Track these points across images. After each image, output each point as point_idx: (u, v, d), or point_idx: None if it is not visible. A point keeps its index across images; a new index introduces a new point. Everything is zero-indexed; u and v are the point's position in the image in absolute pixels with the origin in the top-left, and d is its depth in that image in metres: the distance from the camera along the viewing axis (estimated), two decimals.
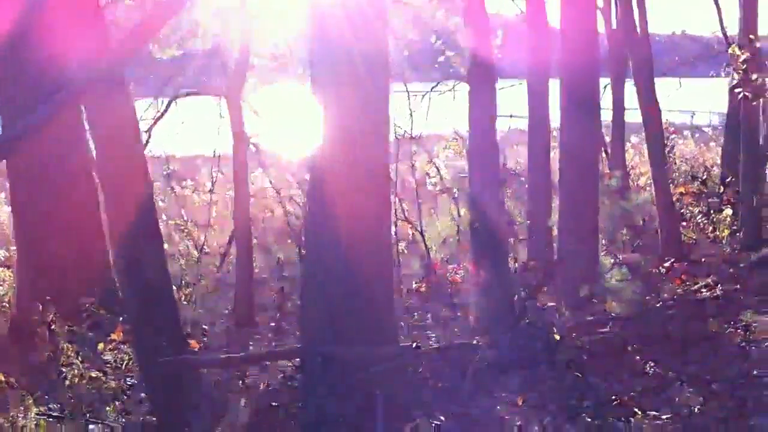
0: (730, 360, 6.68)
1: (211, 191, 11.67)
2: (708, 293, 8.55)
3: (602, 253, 9.42)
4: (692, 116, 32.16)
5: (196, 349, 7.97)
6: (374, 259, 5.99)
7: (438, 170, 13.81)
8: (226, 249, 10.53)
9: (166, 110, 9.41)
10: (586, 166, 8.68)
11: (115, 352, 6.88)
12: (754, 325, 7.47)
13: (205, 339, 8.53)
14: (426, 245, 11.20)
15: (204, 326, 9.05)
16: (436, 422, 4.33)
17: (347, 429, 4.99)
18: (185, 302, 9.96)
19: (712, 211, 12.92)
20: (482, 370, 5.99)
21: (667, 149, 13.24)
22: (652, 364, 6.55)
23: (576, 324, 7.19)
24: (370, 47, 5.63)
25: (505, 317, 6.82)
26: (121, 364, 6.65)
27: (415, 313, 9.04)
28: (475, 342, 6.31)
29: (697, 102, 28.57)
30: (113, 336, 7.15)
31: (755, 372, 6.38)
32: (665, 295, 8.32)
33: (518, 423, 5.41)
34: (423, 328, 8.29)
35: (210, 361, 6.19)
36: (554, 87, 10.69)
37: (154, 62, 10.68)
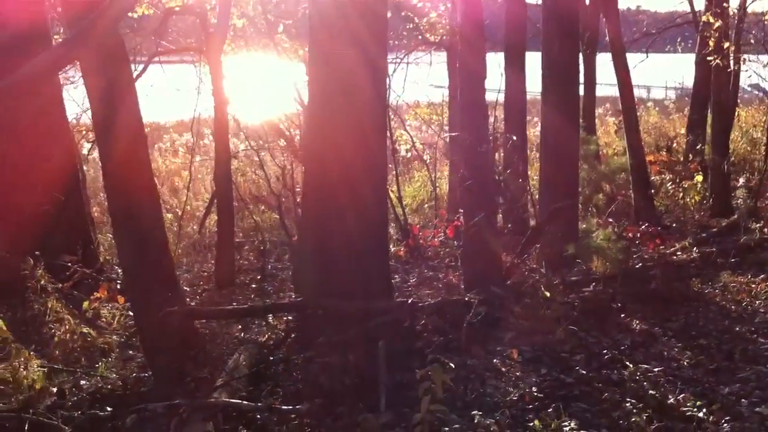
0: (712, 317, 6.86)
1: (192, 150, 11.45)
2: (685, 256, 8.74)
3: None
4: (648, 91, 32.78)
5: None
6: (370, 216, 6.03)
7: (411, 137, 13.79)
8: (206, 211, 10.40)
9: (143, 71, 9.20)
10: (566, 128, 8.74)
11: (103, 310, 6.83)
12: (732, 285, 7.69)
13: (188, 300, 8.48)
14: (404, 210, 11.20)
15: (185, 288, 8.99)
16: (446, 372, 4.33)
17: (350, 378, 5.01)
18: None
19: (679, 179, 13.17)
20: (475, 325, 6.06)
21: None
22: (638, 321, 6.71)
23: (562, 282, 7.30)
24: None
25: (493, 275, 6.89)
26: (112, 321, 6.60)
27: (397, 276, 9.05)
28: (467, 298, 6.36)
29: (652, 77, 28.94)
30: (98, 294, 7.09)
31: (737, 328, 6.57)
32: (645, 256, 8.47)
33: (517, 374, 5.50)
34: (407, 288, 8.31)
35: (215, 312, 6.17)
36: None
37: (126, 21, 10.43)
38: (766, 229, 9.85)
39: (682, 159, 14.37)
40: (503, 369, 5.58)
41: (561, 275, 7.61)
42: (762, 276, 7.93)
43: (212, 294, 8.68)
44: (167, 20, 9.20)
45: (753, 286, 7.66)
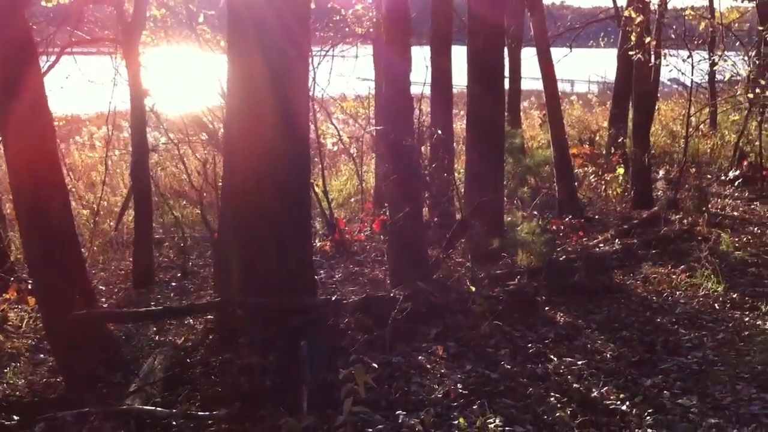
0: (634, 309, 6.92)
1: (108, 143, 10.95)
2: (607, 248, 8.84)
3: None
4: (572, 85, 33.33)
5: None
6: (292, 211, 5.83)
7: (337, 130, 13.59)
8: (123, 206, 10.04)
9: (56, 62, 8.81)
10: (492, 122, 8.75)
11: (11, 312, 6.52)
12: (653, 276, 7.79)
13: (102, 300, 8.17)
14: (329, 204, 11.04)
15: (101, 287, 8.68)
16: (369, 372, 4.22)
17: (271, 379, 4.84)
18: None
19: (600, 171, 13.37)
20: (401, 321, 5.97)
21: None
22: (562, 314, 6.73)
23: (487, 276, 7.28)
24: None
25: (418, 270, 6.81)
26: (21, 324, 6.29)
27: (322, 271, 8.90)
28: (392, 294, 6.26)
29: (576, 71, 29.34)
30: (6, 295, 6.76)
31: (659, 319, 6.64)
32: (569, 249, 8.53)
33: (442, 371, 5.42)
34: (332, 284, 8.17)
35: (127, 315, 5.87)
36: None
37: (41, 11, 9.97)
38: (685, 221, 10.06)
39: (604, 152, 14.60)
40: (428, 366, 5.50)
41: (487, 269, 7.60)
42: (682, 267, 8.06)
43: (130, 293, 8.40)
44: (82, 10, 8.82)
45: (673, 277, 7.77)
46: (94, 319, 5.11)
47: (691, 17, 12.09)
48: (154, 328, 6.40)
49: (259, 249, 5.54)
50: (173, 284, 8.66)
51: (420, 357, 5.64)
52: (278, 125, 5.41)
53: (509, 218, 8.83)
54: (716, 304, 7.05)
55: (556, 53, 16.35)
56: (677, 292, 7.39)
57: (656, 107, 14.62)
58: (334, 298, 5.90)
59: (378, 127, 7.91)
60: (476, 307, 6.28)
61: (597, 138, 15.83)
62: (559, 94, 21.37)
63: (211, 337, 5.59)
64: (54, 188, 5.24)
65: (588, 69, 31.35)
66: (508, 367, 5.52)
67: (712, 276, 7.61)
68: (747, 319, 6.65)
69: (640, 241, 8.95)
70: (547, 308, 6.86)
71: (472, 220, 7.28)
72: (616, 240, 9.04)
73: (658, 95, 16.13)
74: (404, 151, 6.51)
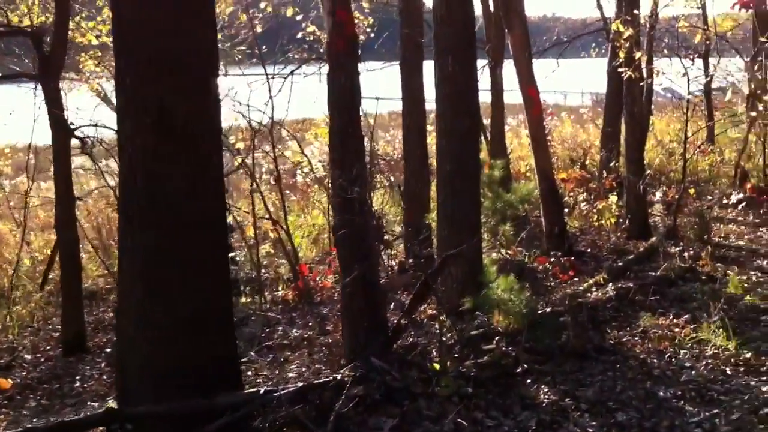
0: (631, 378, 5.86)
1: (27, 192, 9.72)
2: (599, 293, 7.80)
3: (485, 250, 8.56)
4: (565, 97, 32.29)
5: (8, 389, 6.64)
6: (207, 279, 4.81)
7: (309, 160, 12.49)
8: (49, 263, 8.97)
9: None
10: (465, 153, 7.67)
11: None
12: (652, 331, 6.74)
13: (24, 374, 7.15)
14: (293, 246, 10.01)
15: (26, 356, 7.66)
16: None
17: None
18: (8, 323, 8.54)
19: (592, 197, 12.35)
20: (348, 412, 4.90)
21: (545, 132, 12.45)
22: (546, 389, 5.66)
23: (459, 342, 6.22)
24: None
25: (376, 340, 5.75)
26: None
27: (279, 328, 7.87)
28: (339, 377, 5.18)
29: (568, 82, 28.31)
30: None
31: (661, 393, 5.57)
32: (555, 297, 7.49)
33: None
34: (285, 348, 7.12)
35: None
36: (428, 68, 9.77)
37: None
38: (686, 254, 9.04)
39: (597, 173, 13.58)
40: None
41: (459, 331, 6.53)
42: (685, 316, 7.02)
43: (56, 363, 7.38)
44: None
45: (676, 330, 6.71)
46: None
47: (684, 29, 11.08)
48: None
49: (165, 336, 4.51)
50: (107, 350, 7.61)
51: None
52: (181, 180, 4.44)
53: (490, 268, 7.72)
54: (727, 368, 5.97)
55: (546, 66, 15.29)
56: (681, 352, 6.32)
57: (651, 123, 13.66)
58: (262, 391, 4.81)
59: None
60: (441, 390, 5.22)
61: (588, 159, 14.81)
62: (551, 108, 20.50)
63: None
64: None
65: (581, 80, 30.33)
66: None
67: (720, 330, 6.55)
68: (765, 388, 5.58)
69: (637, 285, 7.88)
70: (528, 381, 5.77)
71: (437, 277, 6.22)
72: (610, 284, 7.98)
73: (653, 107, 15.15)
74: (353, 201, 5.47)
